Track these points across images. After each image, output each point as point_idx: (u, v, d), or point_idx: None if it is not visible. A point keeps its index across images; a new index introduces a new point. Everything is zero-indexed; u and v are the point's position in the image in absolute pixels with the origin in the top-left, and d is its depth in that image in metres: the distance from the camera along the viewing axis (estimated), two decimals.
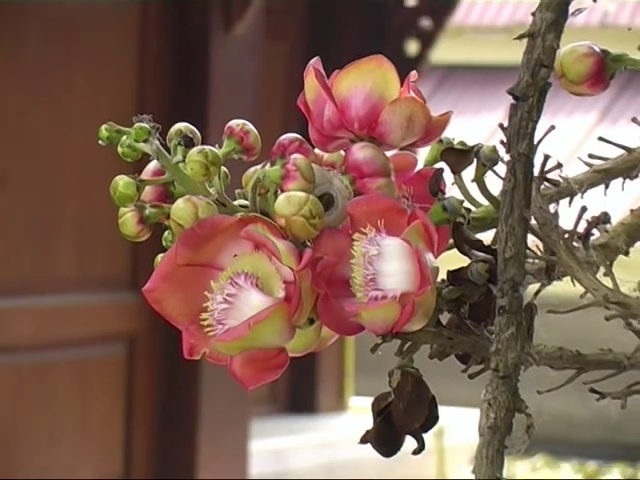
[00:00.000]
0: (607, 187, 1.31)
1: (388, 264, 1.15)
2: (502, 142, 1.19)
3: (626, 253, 1.26)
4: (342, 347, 9.05)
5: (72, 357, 6.90)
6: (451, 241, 1.21)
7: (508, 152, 1.18)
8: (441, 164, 1.23)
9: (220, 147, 1.19)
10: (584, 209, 1.22)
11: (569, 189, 1.29)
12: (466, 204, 1.22)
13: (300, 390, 9.48)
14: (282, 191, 1.16)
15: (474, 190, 1.23)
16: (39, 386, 6.75)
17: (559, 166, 1.23)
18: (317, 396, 9.57)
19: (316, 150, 1.21)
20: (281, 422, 8.97)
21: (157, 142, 1.18)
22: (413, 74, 1.23)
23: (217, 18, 7.07)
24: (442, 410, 1.25)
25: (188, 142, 1.20)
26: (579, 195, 1.28)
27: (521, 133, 1.17)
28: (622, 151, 1.32)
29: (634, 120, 1.33)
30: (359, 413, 9.06)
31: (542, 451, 13.02)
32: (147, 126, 1.18)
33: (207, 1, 7.06)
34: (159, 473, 7.10)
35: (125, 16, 7.01)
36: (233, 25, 7.09)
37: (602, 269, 1.22)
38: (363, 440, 1.22)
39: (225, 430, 7.18)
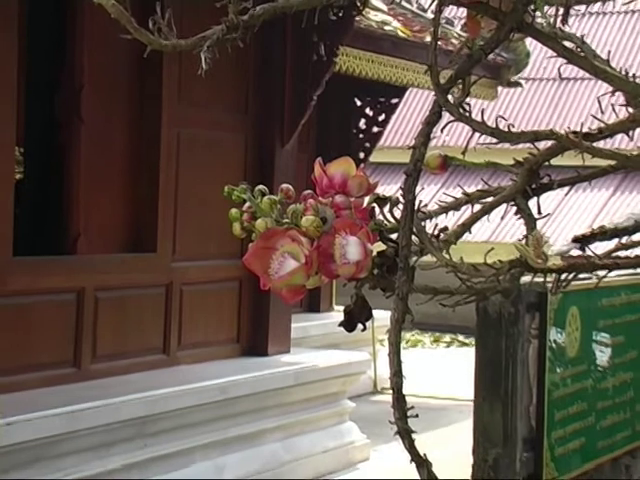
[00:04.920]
0: (447, 214, 1.29)
1: (351, 248, 1.14)
2: (401, 195, 1.17)
3: (455, 244, 1.24)
4: (332, 283, 9.04)
5: (215, 289, 6.88)
6: (378, 238, 1.21)
7: (404, 199, 1.16)
8: (374, 205, 1.22)
9: (277, 196, 1.19)
10: (437, 224, 1.21)
11: (429, 215, 1.27)
12: (385, 222, 1.21)
13: (311, 301, 9.48)
14: (304, 216, 1.15)
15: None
16: (200, 301, 6.74)
17: (425, 206, 1.22)
18: (320, 303, 9.57)
19: (320, 198, 1.20)
20: (303, 315, 8.97)
21: (249, 194, 1.18)
22: (361, 166, 1.23)
23: (277, 141, 7.06)
24: (375, 311, 1.23)
25: (263, 194, 1.19)
26: (435, 218, 1.27)
27: (409, 191, 1.16)
28: (451, 199, 1.30)
29: (459, 186, 1.32)
30: (338, 312, 9.06)
31: (416, 328, 13.04)
32: (245, 187, 1.18)
33: (273, 133, 7.04)
34: (252, 339, 7.08)
35: (234, 142, 6.99)
36: (284, 145, 7.07)
37: (444, 251, 1.21)
38: (339, 324, 1.22)
39: (280, 319, 7.16)
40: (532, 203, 1.27)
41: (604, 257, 1.28)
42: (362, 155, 9.65)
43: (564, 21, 1.24)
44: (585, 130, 1.26)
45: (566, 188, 1.32)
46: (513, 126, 1.25)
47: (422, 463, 1.13)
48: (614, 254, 1.36)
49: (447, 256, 1.20)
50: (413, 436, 1.14)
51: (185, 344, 6.59)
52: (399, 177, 13.68)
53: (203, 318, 6.75)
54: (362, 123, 9.84)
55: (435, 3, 1.17)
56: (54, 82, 6.12)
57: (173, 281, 6.53)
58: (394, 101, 9.80)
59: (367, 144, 9.77)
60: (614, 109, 1.28)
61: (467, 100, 1.21)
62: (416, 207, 1.18)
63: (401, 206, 1.18)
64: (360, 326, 1.22)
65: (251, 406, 6.41)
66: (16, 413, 4.94)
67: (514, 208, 1.28)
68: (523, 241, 1.20)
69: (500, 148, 1.28)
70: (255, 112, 7.07)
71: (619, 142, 1.43)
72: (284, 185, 1.21)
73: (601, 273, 1.27)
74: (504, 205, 1.28)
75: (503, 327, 4.35)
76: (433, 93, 1.21)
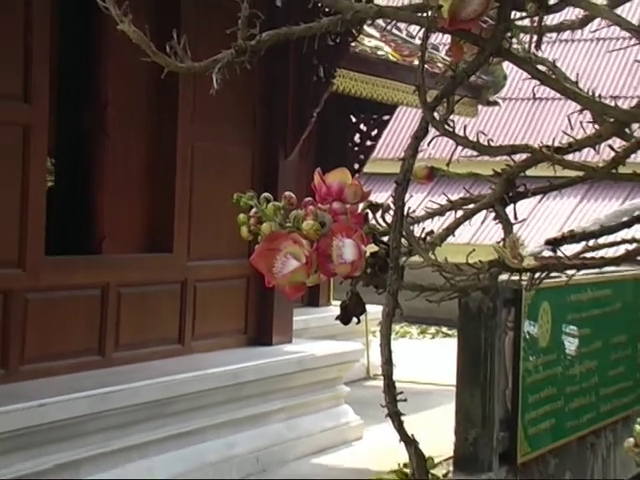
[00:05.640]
0: (432, 219, 1.29)
1: (346, 249, 1.13)
2: (392, 202, 1.16)
3: (439, 246, 1.23)
4: (329, 281, 9.00)
5: (225, 285, 6.85)
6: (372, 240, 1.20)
7: (394, 206, 1.16)
8: (367, 211, 1.21)
9: (281, 203, 1.18)
10: (424, 228, 1.20)
11: (417, 220, 1.26)
12: (378, 226, 1.20)
13: (311, 297, 9.45)
14: (305, 220, 1.14)
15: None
16: (211, 296, 6.71)
17: (413, 212, 1.21)
18: (319, 299, 9.54)
19: (319, 204, 1.19)
20: (304, 310, 8.94)
21: (256, 200, 1.17)
22: (356, 176, 1.22)
23: (281, 153, 7.04)
24: (368, 306, 1.22)
25: (268, 201, 1.18)
26: (422, 223, 1.26)
27: (398, 198, 1.15)
28: (437, 206, 1.30)
29: (444, 194, 1.31)
30: (335, 307, 9.03)
31: (405, 321, 13.02)
32: (252, 195, 1.17)
33: (277, 146, 7.02)
34: (258, 330, 7.05)
35: (242, 155, 6.97)
36: (287, 157, 7.06)
37: (430, 252, 1.20)
38: (336, 318, 1.21)
39: (283, 313, 7.14)
40: (509, 209, 1.27)
41: (573, 258, 1.28)
42: (357, 166, 9.65)
43: (537, 47, 1.24)
44: (556, 144, 1.26)
45: (539, 196, 1.32)
46: (492, 141, 1.25)
47: (410, 442, 1.13)
48: (582, 255, 1.36)
49: (433, 257, 1.19)
50: (402, 418, 1.14)
51: (198, 335, 6.58)
52: (390, 186, 13.65)
53: (214, 311, 6.73)
54: (357, 137, 9.84)
55: (423, 30, 1.17)
56: (82, 99, 6.12)
57: (188, 278, 6.52)
58: (386, 118, 9.81)
59: (361, 156, 9.78)
60: (582, 126, 1.28)
61: (451, 117, 1.21)
62: (405, 213, 1.18)
63: (392, 212, 1.18)
64: (355, 319, 1.21)
65: (257, 390, 6.40)
66: (49, 396, 4.96)
67: (493, 214, 1.27)
68: (501, 243, 1.19)
69: (480, 160, 1.28)
70: (261, 128, 7.06)
71: (586, 155, 1.43)
72: (287, 193, 1.20)
73: (570, 272, 1.27)
74: (484, 211, 1.28)
75: (482, 320, 4.35)
76: (421, 111, 1.20)
